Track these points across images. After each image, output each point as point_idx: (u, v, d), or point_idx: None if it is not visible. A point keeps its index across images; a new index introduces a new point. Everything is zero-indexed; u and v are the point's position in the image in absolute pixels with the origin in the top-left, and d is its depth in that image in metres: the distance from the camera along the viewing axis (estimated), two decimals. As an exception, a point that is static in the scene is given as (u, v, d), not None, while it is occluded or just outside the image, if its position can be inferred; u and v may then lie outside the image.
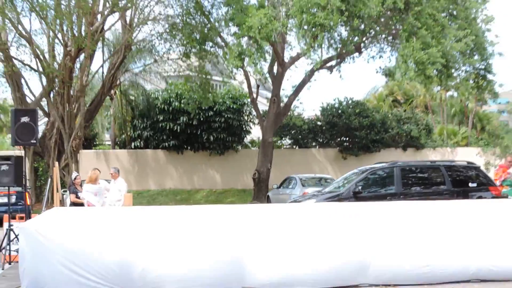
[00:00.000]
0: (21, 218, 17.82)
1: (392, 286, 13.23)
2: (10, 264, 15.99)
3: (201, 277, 12.47)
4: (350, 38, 35.86)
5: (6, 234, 16.49)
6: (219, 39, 37.44)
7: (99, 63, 41.74)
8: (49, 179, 29.08)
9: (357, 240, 13.19)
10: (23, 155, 20.64)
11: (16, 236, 14.81)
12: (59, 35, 34.63)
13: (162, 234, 12.69)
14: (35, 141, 18.79)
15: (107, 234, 12.43)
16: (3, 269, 15.80)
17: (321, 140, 50.87)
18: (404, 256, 13.23)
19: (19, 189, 23.95)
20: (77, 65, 36.06)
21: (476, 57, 36.56)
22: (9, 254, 16.20)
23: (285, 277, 12.76)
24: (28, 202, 25.34)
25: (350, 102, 50.37)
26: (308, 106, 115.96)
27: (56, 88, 35.39)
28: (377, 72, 41.15)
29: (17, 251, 13.75)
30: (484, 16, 37.60)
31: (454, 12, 36.23)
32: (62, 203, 25.74)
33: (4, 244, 16.40)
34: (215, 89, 43.91)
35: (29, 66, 36.35)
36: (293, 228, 13.27)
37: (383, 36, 38.36)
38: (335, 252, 12.99)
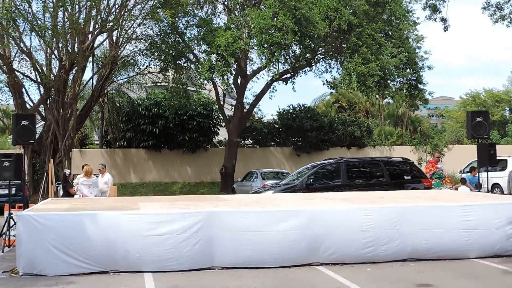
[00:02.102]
0: (20, 207, 17.69)
1: (340, 265, 13.24)
2: (9, 247, 15.87)
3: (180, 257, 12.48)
4: (303, 55, 36.05)
5: (6, 221, 16.39)
6: (191, 56, 37.44)
7: (90, 75, 41.60)
8: (45, 174, 28.93)
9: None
10: (22, 153, 20.52)
11: (15, 223, 14.73)
12: (55, 51, 34.50)
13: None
14: (33, 141, 18.78)
15: (93, 220, 12.38)
16: (3, 251, 15.68)
17: (278, 140, 50.92)
18: (350, 238, 13.25)
19: (19, 182, 23.86)
20: (71, 76, 35.89)
21: (408, 70, 36.88)
22: (9, 239, 16.09)
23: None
24: (26, 193, 25.24)
25: (302, 108, 50.41)
26: (267, 112, 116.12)
27: (52, 96, 35.20)
28: (323, 84, 41.44)
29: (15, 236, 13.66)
30: (415, 36, 38.05)
31: (390, 33, 36.57)
32: (56, 194, 25.57)
33: (5, 230, 16.31)
34: (192, 97, 43.88)
35: (29, 77, 36.31)
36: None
37: (330, 53, 38.56)
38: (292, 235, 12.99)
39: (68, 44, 33.39)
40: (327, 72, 41.10)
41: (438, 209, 14.02)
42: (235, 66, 36.28)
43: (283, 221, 12.99)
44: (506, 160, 32.56)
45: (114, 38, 37.23)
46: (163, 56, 36.55)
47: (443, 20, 32.99)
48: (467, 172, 31.21)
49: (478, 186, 24.38)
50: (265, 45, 31.40)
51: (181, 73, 38.88)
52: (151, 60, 38.58)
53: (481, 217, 13.91)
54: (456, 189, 26.08)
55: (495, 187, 31.44)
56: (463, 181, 26.18)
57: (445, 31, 33.52)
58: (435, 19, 33.10)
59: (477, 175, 26.04)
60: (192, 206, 14.07)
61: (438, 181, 25.19)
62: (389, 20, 36.66)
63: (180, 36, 36.79)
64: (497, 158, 23.83)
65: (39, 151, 36.16)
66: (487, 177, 22.17)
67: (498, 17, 33.00)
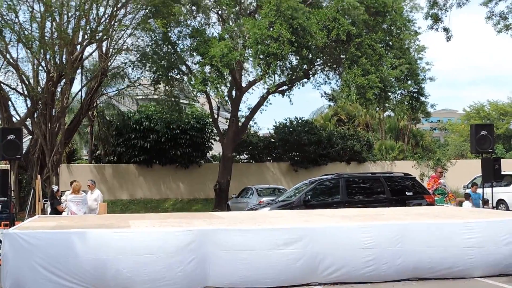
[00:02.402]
0: (6, 225, 17.67)
1: (339, 285, 13.23)
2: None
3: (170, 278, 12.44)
4: (300, 66, 36.12)
5: (-9, 239, 16.34)
6: (184, 67, 37.47)
7: (78, 87, 41.60)
8: (32, 190, 28.85)
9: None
10: (8, 168, 20.51)
11: (1, 241, 14.67)
12: (43, 63, 34.46)
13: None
14: (19, 156, 18.83)
15: (82, 239, 12.36)
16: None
17: (274, 155, 50.94)
18: (349, 257, 13.23)
19: (5, 199, 23.80)
20: (59, 89, 35.85)
21: (410, 82, 36.97)
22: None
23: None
24: (13, 210, 25.19)
25: (300, 121, 50.50)
26: (263, 125, 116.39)
27: (40, 109, 35.15)
28: (322, 96, 41.53)
29: (1, 254, 13.62)
30: (417, 46, 38.10)
31: (390, 43, 36.68)
32: (43, 211, 25.51)
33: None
34: (184, 110, 43.95)
35: (15, 90, 36.28)
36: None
37: (329, 64, 38.65)
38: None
39: (56, 55, 33.34)
40: (325, 84, 41.26)
41: (441, 226, 14.02)
42: (229, 78, 36.32)
43: (280, 239, 12.96)
44: (511, 175, 32.59)
45: (104, 49, 37.27)
46: (154, 68, 36.53)
47: (446, 30, 33.05)
48: (471, 188, 31.25)
49: (484, 203, 24.39)
50: (261, 56, 31.40)
51: (173, 85, 38.87)
52: (142, 72, 38.57)
53: (485, 235, 13.92)
54: (460, 204, 26.09)
55: (500, 203, 31.44)
56: (467, 197, 26.17)
57: (447, 41, 33.57)
58: (437, 29, 33.15)
59: (477, 191, 26.10)
60: (185, 224, 14.04)
61: (441, 197, 25.18)
62: (389, 30, 36.77)
63: (173, 46, 36.83)
64: (502, 173, 23.91)
65: (26, 166, 36.09)
66: (492, 192, 22.22)
67: (502, 27, 33.08)
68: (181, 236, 12.65)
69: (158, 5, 32.30)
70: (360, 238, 13.37)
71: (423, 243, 13.58)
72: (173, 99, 39.88)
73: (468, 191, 28.27)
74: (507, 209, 30.75)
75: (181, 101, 42.15)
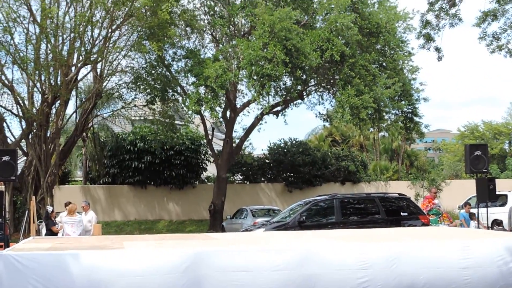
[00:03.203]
0: (0, 246, 17.59)
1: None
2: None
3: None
4: (294, 87, 36.21)
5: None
6: (178, 88, 37.48)
7: (73, 108, 41.43)
8: (27, 212, 28.77)
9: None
10: (3, 190, 20.44)
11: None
12: (38, 84, 34.42)
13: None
14: (14, 178, 18.72)
15: (76, 260, 12.29)
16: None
17: (269, 176, 50.95)
18: (344, 279, 13.16)
19: (-1, 220, 23.72)
20: (53, 110, 35.85)
21: (404, 102, 37.03)
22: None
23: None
24: (7, 232, 25.07)
25: (294, 142, 50.58)
26: (258, 146, 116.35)
27: (34, 131, 35.13)
28: (316, 116, 41.57)
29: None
30: (410, 67, 38.25)
31: (384, 64, 36.84)
32: (38, 233, 25.42)
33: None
34: (179, 130, 43.98)
35: (10, 111, 36.32)
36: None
37: (323, 84, 38.71)
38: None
39: (51, 77, 33.37)
40: (319, 104, 41.26)
41: (436, 247, 13.97)
42: (224, 99, 36.35)
43: (274, 260, 12.89)
44: (506, 195, 32.58)
45: (99, 70, 37.24)
46: (149, 89, 36.56)
47: (437, 49, 33.16)
48: (464, 207, 31.22)
49: (498, 224, 24.34)
50: (255, 77, 31.44)
51: (167, 106, 38.88)
52: (136, 94, 38.62)
53: (481, 255, 13.86)
54: (461, 225, 26.01)
55: (495, 224, 31.41)
56: (471, 216, 26.04)
57: (439, 60, 33.68)
58: (428, 49, 33.28)
59: (470, 210, 26.05)
60: (179, 245, 13.99)
61: (436, 218, 25.10)
62: (383, 51, 36.94)
63: (167, 68, 36.89)
64: (497, 193, 23.87)
65: (20, 187, 36.05)
66: (487, 213, 22.17)
67: (495, 47, 33.16)
68: (175, 257, 12.58)
69: (153, 27, 32.37)
70: (355, 259, 13.31)
71: (418, 264, 13.51)
72: (167, 120, 39.87)
73: (462, 211, 28.19)
74: (503, 229, 30.70)
75: (176, 122, 42.13)
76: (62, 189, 44.54)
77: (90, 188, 46.86)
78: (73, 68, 34.68)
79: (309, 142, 59.02)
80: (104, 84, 37.89)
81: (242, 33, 37.42)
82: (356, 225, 22.18)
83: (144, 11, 32.36)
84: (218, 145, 47.49)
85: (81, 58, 33.71)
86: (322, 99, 40.73)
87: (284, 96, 37.03)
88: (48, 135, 35.54)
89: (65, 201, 24.79)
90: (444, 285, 13.67)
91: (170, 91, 37.42)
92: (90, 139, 46.91)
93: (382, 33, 35.67)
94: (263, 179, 51.05)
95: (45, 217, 23.54)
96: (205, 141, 44.04)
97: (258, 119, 38.97)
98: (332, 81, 36.85)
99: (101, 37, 33.60)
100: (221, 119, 39.65)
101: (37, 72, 33.12)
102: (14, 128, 76.45)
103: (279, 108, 39.11)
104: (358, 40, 34.13)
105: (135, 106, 41.24)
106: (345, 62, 33.55)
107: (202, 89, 33.41)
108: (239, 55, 33.03)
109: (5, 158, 17.95)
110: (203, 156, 48.14)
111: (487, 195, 21.86)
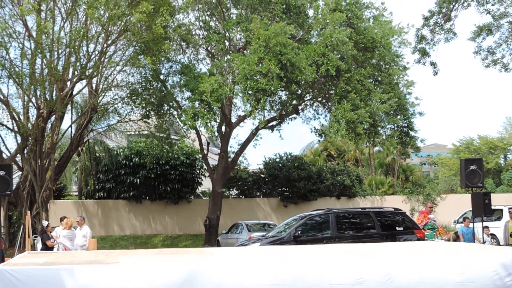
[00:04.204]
0: (-5, 261, 17.56)
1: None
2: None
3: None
4: (289, 101, 36.26)
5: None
6: (174, 103, 37.50)
7: (68, 123, 41.66)
8: (22, 226, 28.76)
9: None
10: (-2, 205, 20.47)
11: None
12: (33, 99, 34.43)
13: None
14: (9, 192, 18.81)
15: (72, 275, 12.27)
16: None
17: (264, 190, 50.95)
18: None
19: (-6, 235, 23.69)
20: (49, 125, 35.87)
21: (399, 116, 37.05)
22: (-16, 295, 15.94)
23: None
24: (2, 247, 25.05)
25: (289, 156, 50.62)
26: (253, 160, 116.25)
27: (30, 146, 35.10)
28: (311, 131, 41.63)
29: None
30: (405, 81, 38.28)
31: (379, 78, 36.90)
32: (33, 247, 25.40)
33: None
34: (174, 144, 44.01)
35: (5, 126, 36.18)
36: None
37: (318, 99, 38.77)
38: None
39: (46, 92, 33.35)
40: (315, 119, 41.28)
41: (432, 261, 13.97)
42: (219, 113, 36.39)
43: (268, 276, 12.89)
44: (501, 210, 32.63)
45: (94, 85, 37.28)
46: (144, 104, 36.59)
47: (433, 64, 33.24)
48: (461, 222, 31.20)
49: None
50: (250, 92, 31.47)
51: (162, 120, 38.91)
52: (132, 108, 38.64)
53: (478, 269, 13.87)
54: (456, 239, 26.03)
55: (490, 238, 31.43)
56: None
57: (434, 75, 33.77)
58: (424, 63, 33.37)
59: (470, 225, 26.06)
60: (174, 260, 13.98)
61: (431, 232, 25.14)
62: (378, 65, 36.99)
63: (162, 82, 36.91)
64: (492, 207, 23.92)
65: (15, 202, 35.99)
66: (482, 227, 22.21)
67: (490, 62, 33.25)
68: (171, 271, 12.59)
69: (148, 42, 32.42)
70: (350, 274, 13.30)
71: (414, 279, 13.52)
72: (162, 134, 39.89)
73: (459, 226, 28.19)
74: (498, 243, 30.71)
75: (171, 136, 42.15)
76: (57, 204, 44.54)
77: (85, 202, 46.77)
78: (68, 83, 34.66)
79: (304, 157, 59.07)
80: (100, 99, 37.92)
81: (237, 48, 37.49)
82: (352, 240, 22.19)
83: (139, 26, 32.41)
84: (213, 159, 47.47)
85: (76, 73, 33.70)
86: (318, 114, 40.84)
87: (279, 111, 37.07)
88: (43, 150, 35.52)
89: (60, 216, 24.85)
90: (439, 300, 13.64)
91: (166, 105, 37.44)
92: (85, 153, 46.90)
93: (377, 48, 35.75)
94: (258, 193, 51.07)
95: (41, 232, 23.52)
96: (200, 155, 44.06)
97: (253, 134, 38.97)
98: (327, 95, 36.91)
99: (96, 52, 33.62)
100: (217, 134, 39.64)
101: (32, 87, 33.11)
102: (9, 143, 76.51)
103: (274, 122, 39.15)
104: (354, 55, 34.22)
105: (130, 120, 41.23)
106: (340, 76, 33.63)
107: (197, 104, 33.40)
108: (234, 70, 33.05)
109: (0, 173, 18.03)
110: (198, 171, 48.18)
111: (483, 209, 21.93)
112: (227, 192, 49.75)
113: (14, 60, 32.92)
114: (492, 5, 31.67)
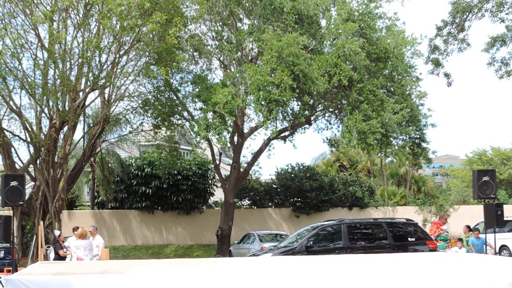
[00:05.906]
0: (9, 271, 17.63)
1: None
2: (-3, 313, 15.77)
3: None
4: (301, 112, 36.23)
5: (-6, 285, 16.31)
6: (186, 113, 37.57)
7: (81, 134, 41.49)
8: (35, 236, 28.81)
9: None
10: (11, 215, 20.54)
11: (4, 287, 14.64)
12: (46, 110, 34.50)
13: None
14: (22, 202, 18.87)
15: (84, 285, 12.31)
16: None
17: (276, 201, 50.94)
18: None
19: (7, 245, 23.75)
20: (61, 135, 35.92)
21: (411, 127, 36.98)
22: (-3, 304, 16.01)
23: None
24: (15, 256, 25.14)
25: (301, 167, 50.64)
26: (265, 171, 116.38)
27: (42, 156, 35.17)
28: (324, 142, 41.67)
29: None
30: (418, 92, 38.25)
31: (392, 89, 36.84)
32: (45, 257, 25.46)
33: (-8, 294, 16.21)
34: (183, 156, 44.07)
35: (18, 136, 36.22)
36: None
37: (330, 109, 38.76)
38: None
39: (58, 102, 33.44)
40: (327, 129, 41.29)
41: (444, 272, 13.96)
42: (232, 124, 36.43)
43: (280, 287, 12.91)
44: (514, 221, 32.49)
45: (106, 95, 37.34)
46: (156, 114, 36.63)
47: (446, 75, 33.26)
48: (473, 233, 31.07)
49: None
50: (263, 102, 31.56)
51: (174, 130, 38.96)
52: (144, 118, 38.70)
53: (489, 281, 13.85)
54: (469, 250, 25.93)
55: (503, 249, 31.32)
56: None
57: (448, 86, 33.79)
58: (437, 74, 33.35)
59: (479, 236, 25.95)
60: (187, 270, 14.01)
61: (444, 243, 25.05)
62: (391, 76, 36.96)
63: (174, 93, 36.97)
64: (505, 218, 23.84)
65: (28, 212, 36.04)
66: (495, 238, 22.14)
67: (504, 73, 33.20)
68: (183, 282, 12.62)
69: (161, 52, 32.50)
70: (362, 284, 13.30)
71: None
72: (173, 145, 39.97)
73: (471, 237, 28.09)
74: (510, 254, 30.60)
75: (183, 147, 42.20)
76: (70, 214, 44.67)
77: (98, 213, 46.91)
78: (81, 93, 34.76)
79: (316, 167, 59.10)
80: (112, 109, 37.97)
81: (250, 58, 37.55)
82: (363, 250, 22.16)
83: (152, 36, 32.50)
84: (225, 170, 47.52)
85: (89, 83, 33.78)
86: (330, 124, 40.86)
87: (291, 121, 37.10)
88: (56, 160, 35.60)
89: (72, 226, 24.90)
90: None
91: (177, 116, 37.50)
92: (98, 164, 47.00)
93: (390, 58, 35.73)
94: (270, 204, 51.06)
95: (53, 241, 23.59)
96: (212, 166, 44.10)
97: (265, 145, 38.94)
98: (339, 106, 36.93)
99: (108, 62, 33.70)
100: (229, 144, 39.65)
101: (45, 97, 33.21)
102: (22, 153, 76.60)
103: (286, 133, 39.17)
104: (366, 65, 34.21)
105: (142, 131, 41.29)
106: (353, 87, 33.65)
107: (209, 115, 33.44)
108: (247, 80, 33.09)
109: (13, 183, 18.10)
110: (210, 181, 48.25)
111: (495, 220, 21.84)
112: (239, 202, 49.78)
113: (27, 70, 33.10)
114: (506, 14, 31.60)
